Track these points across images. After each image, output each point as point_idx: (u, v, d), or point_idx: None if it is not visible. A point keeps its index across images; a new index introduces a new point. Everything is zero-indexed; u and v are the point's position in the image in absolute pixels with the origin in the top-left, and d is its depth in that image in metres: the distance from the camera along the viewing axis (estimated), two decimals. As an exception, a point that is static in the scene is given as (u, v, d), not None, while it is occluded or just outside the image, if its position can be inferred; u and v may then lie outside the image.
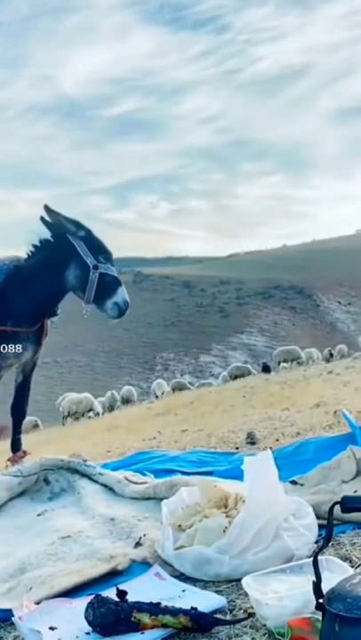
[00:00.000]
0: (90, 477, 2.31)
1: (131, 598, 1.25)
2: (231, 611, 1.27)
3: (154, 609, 1.20)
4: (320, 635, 0.99)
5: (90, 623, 1.22)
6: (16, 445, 3.59)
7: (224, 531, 1.48)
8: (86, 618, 1.22)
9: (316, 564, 1.05)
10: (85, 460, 2.46)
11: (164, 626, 1.18)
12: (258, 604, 1.18)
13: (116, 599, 1.24)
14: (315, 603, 1.00)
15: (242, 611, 1.25)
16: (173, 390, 20.69)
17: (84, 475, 2.32)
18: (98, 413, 17.60)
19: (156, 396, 19.94)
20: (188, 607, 1.21)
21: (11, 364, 3.42)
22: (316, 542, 1.51)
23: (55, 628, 1.23)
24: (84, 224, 3.32)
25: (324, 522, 1.28)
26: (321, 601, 0.99)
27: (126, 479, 2.22)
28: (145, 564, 1.56)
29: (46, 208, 3.27)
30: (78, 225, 3.26)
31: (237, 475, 1.55)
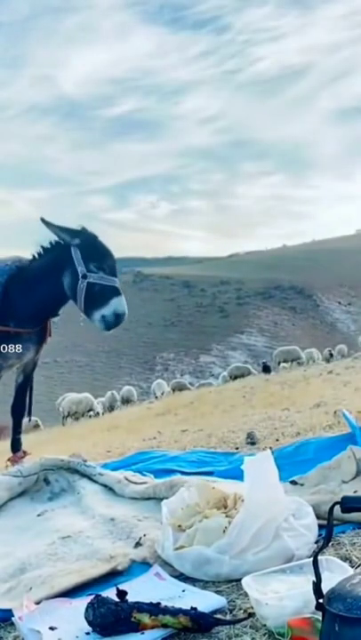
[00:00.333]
0: (90, 477, 2.31)
1: (131, 598, 1.25)
2: (231, 611, 1.27)
3: (154, 609, 1.20)
4: (320, 635, 0.99)
5: (90, 623, 1.22)
6: (16, 445, 3.59)
7: (224, 531, 1.48)
8: (86, 618, 1.22)
9: (316, 564, 1.05)
10: (85, 460, 2.46)
11: (164, 626, 1.18)
12: (258, 604, 1.18)
13: (116, 599, 1.24)
14: (315, 603, 1.00)
15: (242, 611, 1.25)
16: (173, 390, 20.70)
17: (84, 475, 2.32)
18: (98, 413, 17.61)
19: (156, 397, 19.94)
20: (188, 607, 1.21)
21: (12, 364, 3.42)
22: (316, 542, 1.51)
23: (55, 628, 1.23)
24: (87, 229, 3.25)
25: (324, 522, 1.28)
26: (321, 601, 0.99)
27: (126, 479, 2.22)
28: (145, 564, 1.56)
29: (42, 220, 3.24)
30: (74, 233, 3.20)
31: (237, 475, 1.55)
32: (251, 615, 1.21)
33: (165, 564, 1.53)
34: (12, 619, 1.30)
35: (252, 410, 5.05)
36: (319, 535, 1.54)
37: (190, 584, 1.42)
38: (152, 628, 1.18)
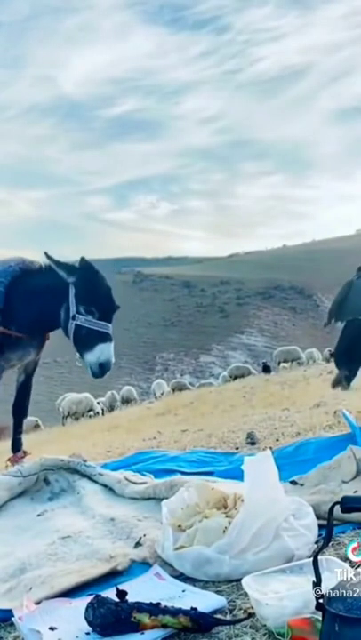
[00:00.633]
0: (90, 477, 2.31)
1: (131, 598, 1.25)
2: (231, 611, 1.27)
3: (154, 609, 1.20)
4: (320, 635, 0.99)
5: (90, 623, 1.22)
6: (16, 445, 3.58)
7: (224, 531, 1.48)
8: (86, 618, 1.22)
9: (316, 564, 1.05)
10: (85, 460, 2.46)
11: (164, 626, 1.18)
12: (258, 604, 1.18)
13: (116, 599, 1.24)
14: (315, 603, 1.01)
15: (242, 611, 1.25)
16: (173, 390, 20.69)
17: (84, 475, 2.32)
18: (97, 413, 17.61)
19: (156, 397, 19.94)
20: (188, 607, 1.21)
21: (13, 364, 3.42)
22: (316, 542, 1.51)
23: (55, 628, 1.23)
24: (90, 264, 3.16)
25: (324, 522, 1.29)
26: (321, 601, 0.99)
27: (126, 479, 2.22)
28: (145, 564, 1.56)
29: (46, 254, 3.20)
30: (71, 270, 3.13)
31: (237, 475, 1.56)
32: (251, 615, 1.21)
33: (165, 564, 1.53)
34: (12, 619, 1.30)
35: (252, 410, 5.05)
36: (319, 535, 1.54)
37: (190, 584, 1.42)
38: (152, 628, 1.18)
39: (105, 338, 3.06)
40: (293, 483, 2.02)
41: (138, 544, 1.69)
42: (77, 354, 3.17)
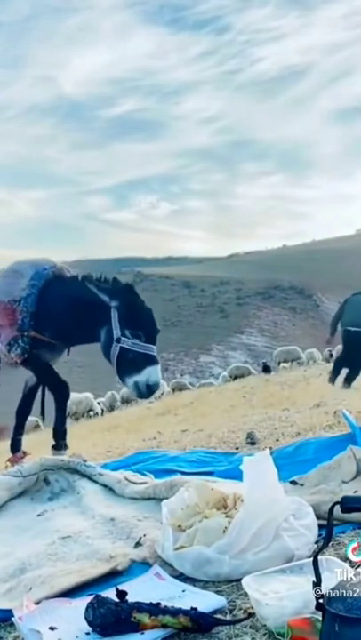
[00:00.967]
0: (90, 477, 2.31)
1: (131, 598, 1.25)
2: (231, 611, 1.27)
3: (154, 609, 1.20)
4: (320, 635, 0.99)
5: (90, 623, 1.22)
6: (16, 446, 3.58)
7: (224, 531, 1.48)
8: (86, 618, 1.22)
9: (316, 564, 1.05)
10: (85, 460, 2.46)
11: (164, 626, 1.18)
12: (258, 604, 1.18)
13: (116, 599, 1.24)
14: (315, 603, 1.01)
15: (242, 611, 1.25)
16: (173, 390, 20.68)
17: (84, 475, 2.32)
18: (97, 413, 17.60)
19: (155, 397, 19.90)
20: (188, 607, 1.21)
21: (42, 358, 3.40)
22: (316, 542, 1.51)
23: (55, 628, 1.23)
24: (132, 287, 3.17)
25: (324, 522, 1.29)
26: (321, 601, 0.99)
27: (126, 479, 2.22)
28: (145, 564, 1.56)
29: (84, 278, 3.20)
30: (114, 294, 3.10)
31: (238, 475, 1.56)
32: (251, 615, 1.21)
33: (165, 564, 1.53)
34: (12, 619, 1.30)
35: (252, 410, 5.04)
36: (319, 535, 1.54)
37: (190, 584, 1.42)
38: (152, 628, 1.18)
39: (152, 360, 3.05)
40: (293, 483, 2.02)
41: (138, 544, 1.69)
42: (117, 375, 3.13)
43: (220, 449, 3.00)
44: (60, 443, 3.47)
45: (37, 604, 1.35)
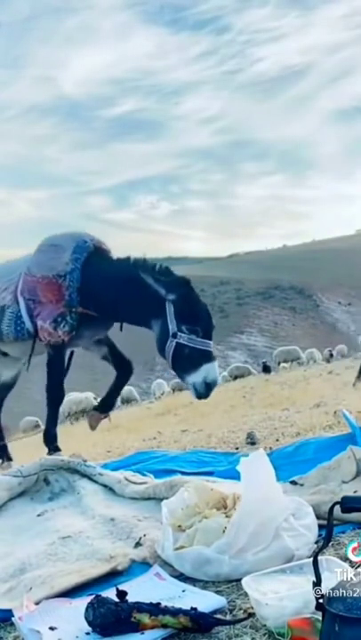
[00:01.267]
0: (90, 477, 2.31)
1: (131, 598, 1.25)
2: (231, 611, 1.27)
3: (154, 609, 1.20)
4: (320, 635, 0.99)
5: (90, 623, 1.22)
6: (51, 440, 3.42)
7: (224, 531, 1.48)
8: (86, 618, 1.22)
9: (316, 564, 1.05)
10: (85, 460, 2.46)
11: (164, 626, 1.18)
12: (258, 604, 1.18)
13: (116, 599, 1.24)
14: (315, 603, 1.01)
15: (242, 611, 1.25)
16: (173, 390, 20.68)
17: (84, 475, 2.32)
18: (98, 413, 17.56)
19: (155, 397, 19.91)
20: (188, 607, 1.21)
21: (79, 345, 3.38)
22: (316, 542, 1.51)
23: (55, 628, 1.23)
24: (188, 281, 3.07)
25: (324, 522, 1.29)
26: (321, 601, 0.99)
27: (126, 479, 2.22)
28: (145, 565, 1.56)
29: (136, 266, 3.09)
30: (170, 287, 3.00)
31: (238, 475, 1.55)
32: (251, 615, 1.21)
33: (165, 564, 1.53)
34: (12, 619, 1.30)
35: (252, 410, 5.05)
36: (319, 535, 1.54)
37: (190, 584, 1.42)
38: (152, 628, 1.18)
39: (210, 357, 2.96)
40: (293, 483, 2.02)
41: (138, 544, 1.69)
42: (173, 372, 3.06)
43: (220, 449, 3.00)
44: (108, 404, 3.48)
45: (37, 604, 1.35)
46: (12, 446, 3.95)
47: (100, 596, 1.25)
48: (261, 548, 1.43)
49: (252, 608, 1.21)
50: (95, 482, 2.28)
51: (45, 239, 3.48)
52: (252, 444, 3.04)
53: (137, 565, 1.57)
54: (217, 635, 1.18)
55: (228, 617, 1.24)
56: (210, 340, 2.98)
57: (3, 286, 3.41)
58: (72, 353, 3.45)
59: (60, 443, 3.68)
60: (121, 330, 3.39)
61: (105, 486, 2.25)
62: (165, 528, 1.60)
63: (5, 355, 3.66)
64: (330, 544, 1.37)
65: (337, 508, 1.10)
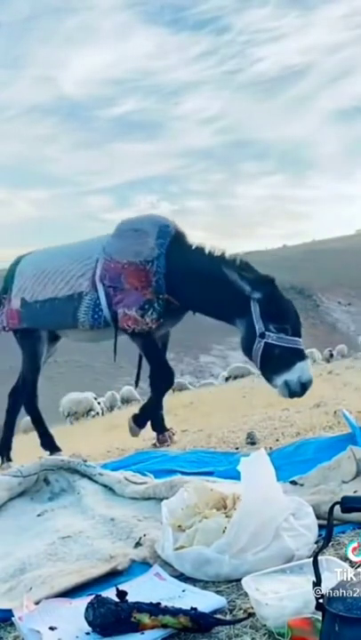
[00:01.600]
0: (90, 477, 2.31)
1: (131, 598, 1.25)
2: (231, 611, 1.27)
3: (154, 609, 1.20)
4: (320, 635, 0.99)
5: (90, 623, 1.22)
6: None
7: (223, 531, 1.48)
8: (86, 618, 1.22)
9: (316, 564, 1.05)
10: (85, 460, 2.46)
11: (164, 626, 1.18)
12: (258, 604, 1.18)
13: (116, 599, 1.24)
14: (315, 603, 1.01)
15: (242, 611, 1.25)
16: (173, 390, 20.66)
17: (84, 475, 2.32)
18: (98, 413, 17.59)
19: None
20: (188, 607, 1.21)
21: (160, 333, 3.29)
22: (316, 542, 1.51)
23: (55, 628, 1.23)
24: (273, 280, 2.97)
25: (324, 522, 1.29)
26: (321, 601, 0.99)
27: (126, 479, 2.22)
28: (145, 564, 1.56)
29: (223, 262, 2.97)
30: (256, 284, 2.89)
31: (238, 475, 1.55)
32: (251, 615, 1.21)
33: (165, 564, 1.53)
34: (12, 619, 1.30)
35: (252, 410, 5.04)
36: (319, 535, 1.54)
37: (190, 584, 1.42)
38: (152, 628, 1.18)
39: (302, 355, 2.88)
40: (293, 483, 2.02)
41: (138, 544, 1.69)
42: (260, 372, 2.97)
43: (220, 449, 3.00)
44: (160, 427, 3.35)
45: (37, 603, 1.35)
46: (13, 446, 3.94)
47: (100, 596, 1.25)
48: (261, 548, 1.43)
49: (252, 608, 1.21)
50: (95, 482, 2.28)
51: (123, 223, 3.40)
52: (252, 443, 3.04)
53: (137, 565, 1.57)
54: (217, 635, 1.18)
55: (228, 617, 1.24)
56: (299, 337, 2.89)
57: (78, 272, 3.30)
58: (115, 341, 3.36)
59: (60, 443, 3.69)
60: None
61: (105, 486, 2.24)
62: (165, 528, 1.60)
63: (55, 339, 3.61)
64: (330, 544, 1.37)
65: (337, 507, 1.10)
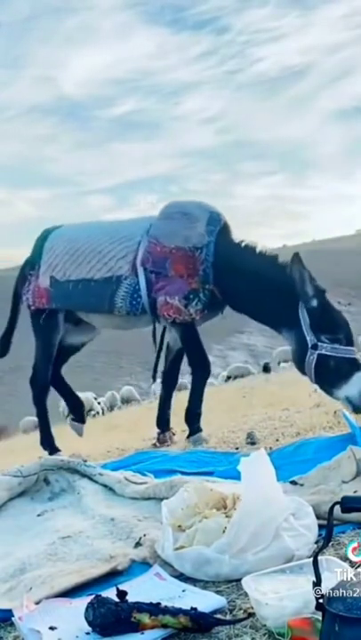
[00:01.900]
0: (90, 477, 2.31)
1: (131, 598, 1.25)
2: (231, 611, 1.27)
3: (154, 609, 1.20)
4: (320, 635, 0.99)
5: (90, 623, 1.22)
6: (194, 421, 3.22)
7: (223, 531, 1.49)
8: (86, 618, 1.22)
9: (316, 564, 1.05)
10: (85, 460, 2.46)
11: (164, 626, 1.18)
12: (258, 604, 1.18)
13: (116, 599, 1.24)
14: (315, 603, 1.01)
15: (242, 611, 1.25)
16: (173, 390, 20.64)
17: (84, 475, 2.32)
18: (98, 413, 17.59)
19: (156, 397, 19.88)
20: (188, 607, 1.21)
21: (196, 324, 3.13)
22: (316, 542, 1.51)
23: (55, 628, 1.23)
24: (324, 290, 2.79)
25: (324, 522, 1.29)
26: (321, 601, 0.99)
27: (126, 479, 2.22)
28: (145, 564, 1.56)
29: (293, 263, 2.79)
30: (313, 293, 2.73)
31: (238, 475, 1.55)
32: (251, 615, 1.21)
33: (165, 564, 1.53)
34: (12, 619, 1.30)
35: (252, 410, 5.03)
36: (319, 535, 1.54)
37: (190, 584, 1.42)
38: (152, 628, 1.19)
39: (358, 365, 2.70)
40: (293, 483, 2.02)
41: (138, 544, 1.69)
42: (315, 385, 2.82)
43: (220, 449, 3.00)
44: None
45: (37, 603, 1.35)
46: (13, 446, 3.95)
47: (100, 595, 1.25)
48: (261, 548, 1.43)
49: (252, 608, 1.21)
50: (95, 482, 2.28)
51: (170, 205, 3.21)
52: (252, 443, 3.04)
53: (137, 565, 1.57)
54: (217, 635, 1.18)
55: (228, 617, 1.24)
56: (353, 345, 2.75)
57: (118, 254, 3.10)
58: (164, 329, 3.24)
59: (60, 443, 3.68)
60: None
61: (105, 486, 2.24)
62: (165, 528, 1.60)
63: (77, 324, 3.46)
64: (330, 544, 1.37)
65: (337, 507, 1.10)
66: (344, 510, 1.11)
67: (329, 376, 2.72)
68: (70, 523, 1.93)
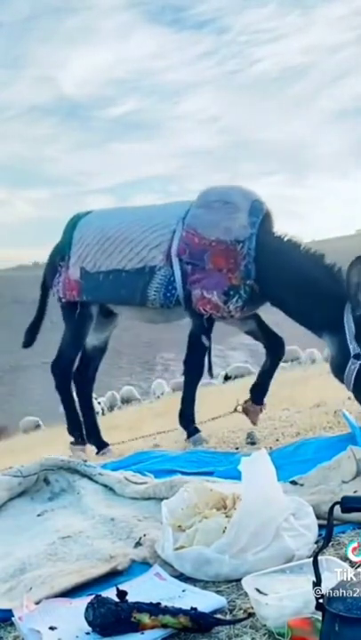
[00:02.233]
0: (90, 477, 2.31)
1: (131, 598, 1.25)
2: (231, 611, 1.27)
3: (154, 609, 1.20)
4: (320, 635, 0.99)
5: (90, 623, 1.22)
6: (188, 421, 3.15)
7: (223, 531, 1.49)
8: (86, 618, 1.22)
9: (316, 564, 1.05)
10: (85, 460, 2.46)
11: (164, 626, 1.18)
12: (258, 604, 1.18)
13: (116, 599, 1.25)
14: (315, 603, 1.01)
15: (242, 611, 1.25)
16: (173, 390, 20.66)
17: (84, 475, 2.32)
18: (98, 413, 17.58)
19: (156, 397, 19.90)
20: (188, 607, 1.21)
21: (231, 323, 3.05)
22: (316, 542, 1.51)
23: (55, 628, 1.23)
24: None
25: (324, 522, 1.29)
26: (321, 601, 0.99)
27: (126, 479, 2.22)
28: (145, 564, 1.56)
29: (327, 268, 2.68)
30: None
31: (238, 475, 1.56)
32: (251, 615, 1.21)
33: (165, 564, 1.53)
34: (12, 619, 1.30)
35: (252, 410, 5.03)
36: (319, 535, 1.54)
37: (190, 584, 1.42)
38: (152, 628, 1.19)
39: None
40: (293, 483, 2.02)
41: (138, 544, 1.69)
42: (353, 396, 2.72)
43: (221, 449, 3.00)
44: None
45: (37, 603, 1.35)
46: (13, 446, 3.95)
47: (100, 595, 1.26)
48: (261, 548, 1.43)
49: (252, 608, 1.21)
50: (95, 482, 2.28)
51: (209, 192, 3.02)
52: (252, 443, 3.04)
53: (137, 565, 1.57)
54: (217, 635, 1.18)
55: (228, 617, 1.24)
56: None
57: (152, 243, 2.95)
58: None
59: (61, 443, 3.68)
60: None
61: (105, 486, 2.24)
62: (165, 528, 1.60)
63: (108, 315, 3.33)
64: (330, 544, 1.37)
65: (337, 507, 1.10)
66: (344, 510, 1.11)
67: None
68: (70, 523, 1.93)
